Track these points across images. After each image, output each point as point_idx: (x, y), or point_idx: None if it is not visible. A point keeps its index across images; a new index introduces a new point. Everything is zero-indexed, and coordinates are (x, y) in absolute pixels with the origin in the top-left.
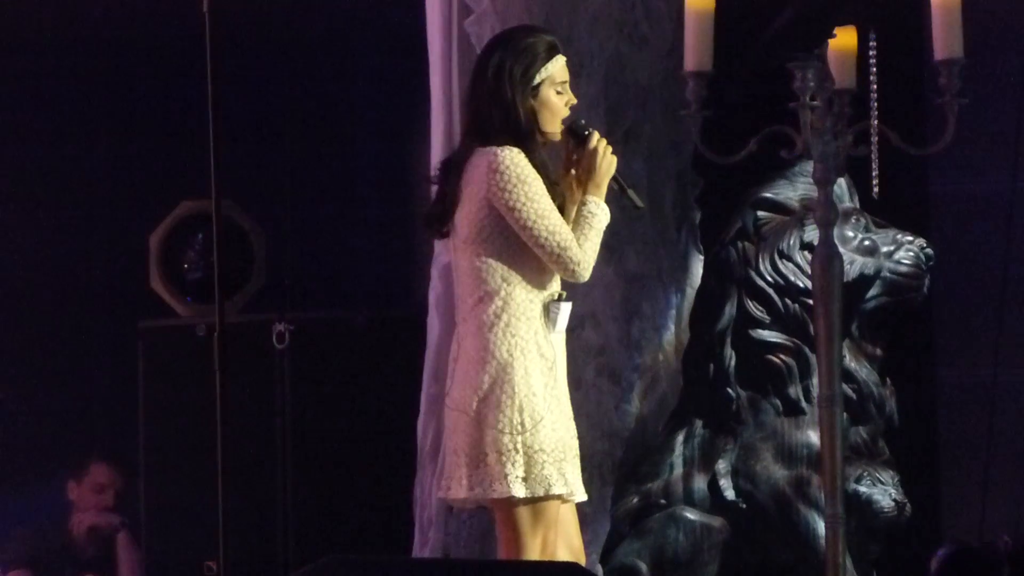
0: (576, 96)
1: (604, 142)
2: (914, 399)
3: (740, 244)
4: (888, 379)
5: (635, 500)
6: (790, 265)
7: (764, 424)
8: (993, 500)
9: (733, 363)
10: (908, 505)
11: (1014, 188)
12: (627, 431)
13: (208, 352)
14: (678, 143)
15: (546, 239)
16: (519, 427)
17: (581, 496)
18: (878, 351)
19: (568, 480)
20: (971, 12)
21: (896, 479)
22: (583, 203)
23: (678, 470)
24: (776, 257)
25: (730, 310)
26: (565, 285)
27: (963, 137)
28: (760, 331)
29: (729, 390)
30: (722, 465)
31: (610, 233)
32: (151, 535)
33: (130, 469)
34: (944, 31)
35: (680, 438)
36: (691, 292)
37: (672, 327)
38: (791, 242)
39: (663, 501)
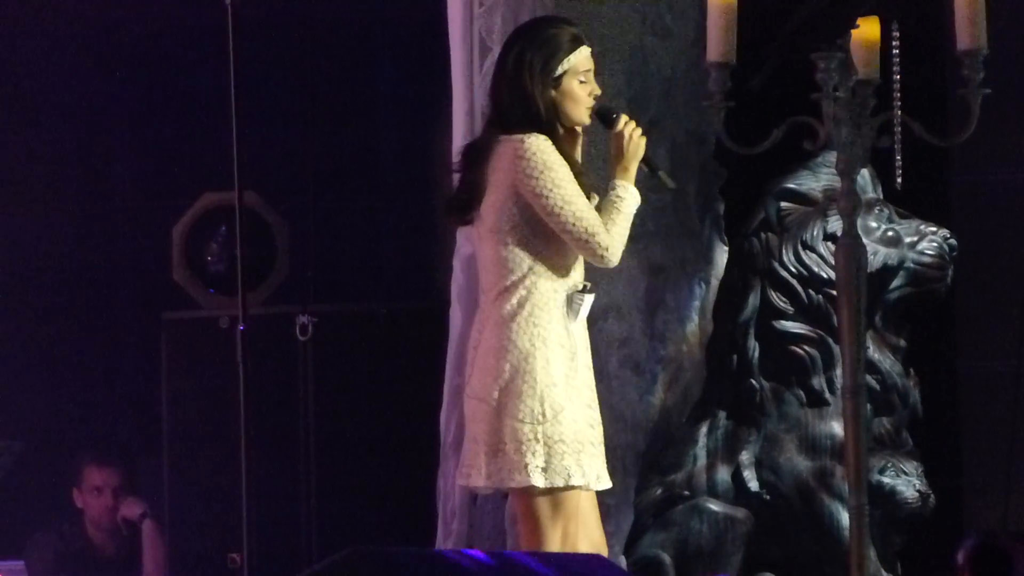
0: (599, 87)
1: (633, 124)
2: (937, 390)
3: (763, 235)
4: (912, 370)
5: (658, 491)
6: (813, 256)
7: (788, 415)
8: (1017, 490)
9: (756, 354)
10: (932, 496)
11: None
12: (650, 422)
13: (231, 344)
14: (701, 134)
15: (573, 225)
16: (539, 417)
17: (604, 484)
18: (902, 342)
19: (587, 471)
20: (994, 2)
21: (920, 470)
22: (611, 187)
23: (701, 461)
24: (799, 248)
25: (753, 301)
26: (588, 276)
27: (986, 128)
28: (783, 322)
29: (752, 381)
30: (745, 456)
31: (633, 225)
32: (174, 527)
33: (124, 465)
34: (967, 21)
35: (703, 429)
36: (715, 283)
37: (695, 318)
38: (814, 233)
39: (686, 492)
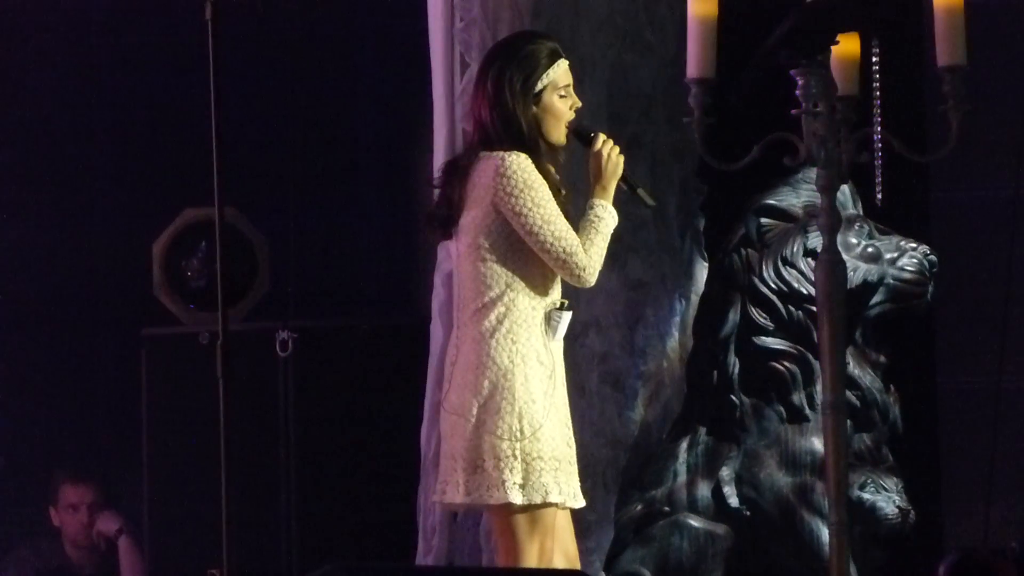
0: (580, 101)
1: (610, 143)
2: (918, 406)
3: (744, 251)
4: (892, 386)
5: (639, 507)
6: (794, 272)
7: (768, 431)
8: (997, 507)
9: (737, 370)
10: (912, 512)
11: (1018, 195)
12: (631, 438)
13: (211, 360)
14: (682, 150)
15: (552, 244)
16: (518, 434)
17: (580, 502)
18: (882, 358)
19: (563, 488)
20: (974, 19)
21: (900, 486)
22: (590, 207)
23: (682, 477)
24: (780, 264)
25: (734, 317)
26: (568, 291)
27: (966, 144)
28: (764, 338)
29: (733, 397)
30: (726, 472)
31: (614, 240)
32: (154, 543)
33: (99, 483)
34: (947, 38)
35: (684, 445)
36: (695, 299)
37: (676, 334)
38: (795, 249)
39: (667, 508)
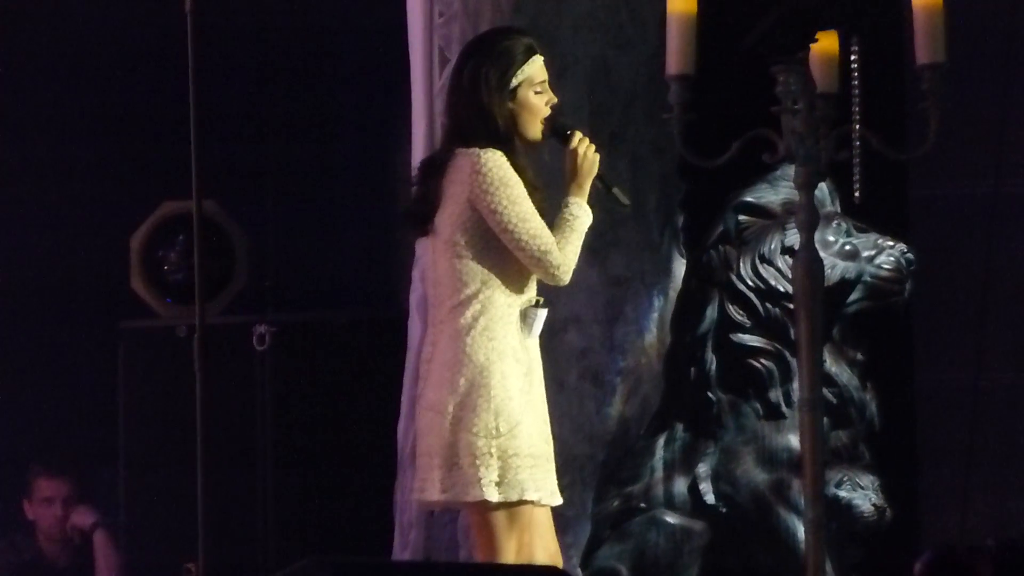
0: (560, 99)
1: (586, 141)
2: (895, 403)
3: (722, 248)
4: (869, 383)
5: (616, 503)
6: (771, 269)
7: (745, 428)
8: (974, 504)
9: (714, 367)
10: (888, 510)
11: (996, 192)
12: (609, 434)
13: (189, 353)
14: (662, 147)
15: (527, 243)
16: (495, 431)
17: (557, 500)
18: (859, 355)
19: (540, 485)
20: (953, 16)
21: (876, 484)
22: (565, 204)
23: (659, 473)
24: (757, 261)
25: (711, 314)
26: (547, 289)
27: (945, 141)
28: (741, 335)
29: (710, 394)
30: (703, 469)
31: (593, 236)
32: (131, 536)
33: (75, 477)
34: (926, 35)
35: (661, 441)
36: (673, 295)
37: (654, 330)
38: (772, 246)
39: (643, 505)
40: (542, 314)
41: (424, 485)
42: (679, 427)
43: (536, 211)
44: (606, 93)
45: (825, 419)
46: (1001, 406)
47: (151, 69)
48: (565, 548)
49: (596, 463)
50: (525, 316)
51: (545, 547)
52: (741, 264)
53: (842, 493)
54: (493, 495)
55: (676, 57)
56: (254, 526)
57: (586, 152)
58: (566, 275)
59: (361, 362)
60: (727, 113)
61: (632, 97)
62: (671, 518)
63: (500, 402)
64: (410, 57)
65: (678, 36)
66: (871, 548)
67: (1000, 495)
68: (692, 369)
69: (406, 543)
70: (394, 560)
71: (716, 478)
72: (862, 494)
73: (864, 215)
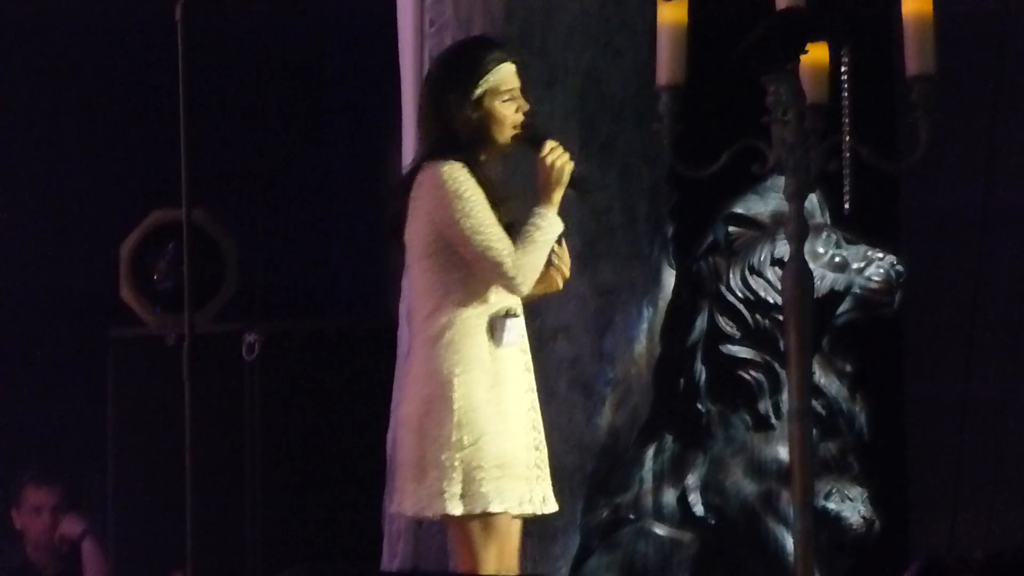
0: (550, 108)
1: (558, 151)
2: (884, 415)
3: (711, 258)
4: (858, 395)
5: (605, 514)
6: (761, 280)
7: (734, 439)
8: (963, 515)
9: (704, 377)
10: (877, 521)
11: (986, 203)
12: (598, 444)
13: (178, 362)
14: (652, 157)
15: (481, 253)
16: (457, 444)
17: (537, 509)
18: (848, 367)
19: (508, 496)
20: (943, 28)
21: (865, 495)
22: (530, 214)
23: (648, 484)
24: (747, 272)
25: (701, 324)
26: (537, 298)
27: (935, 153)
28: (730, 346)
29: (699, 404)
30: (692, 479)
31: (583, 246)
32: (119, 544)
33: (64, 484)
34: (916, 47)
35: (650, 452)
36: (663, 305)
37: (644, 340)
38: (762, 257)
39: (632, 515)
40: (512, 323)
41: (399, 497)
42: (668, 438)
43: (495, 222)
44: (596, 102)
45: (814, 430)
46: (990, 417)
47: (141, 77)
48: (554, 559)
49: (585, 473)
50: (493, 327)
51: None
52: (731, 275)
53: (831, 504)
54: (456, 508)
55: (666, 67)
56: (243, 535)
57: (555, 162)
58: (525, 285)
59: (351, 371)
60: (717, 123)
61: (622, 106)
62: (660, 529)
63: (463, 414)
64: (400, 65)
65: (669, 46)
66: (860, 559)
67: (989, 507)
68: (681, 380)
69: (395, 553)
70: (382, 571)
71: (705, 489)
72: (851, 505)
73: (854, 226)
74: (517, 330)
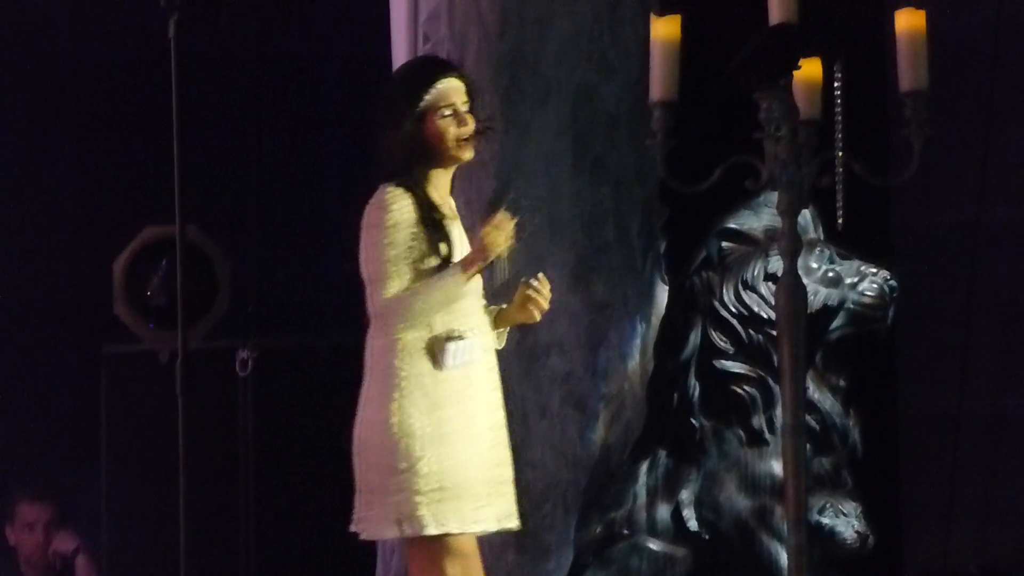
0: (543, 124)
1: (505, 225)
2: (877, 430)
3: (705, 274)
4: (851, 410)
5: (598, 529)
6: (754, 296)
7: (727, 454)
8: (956, 530)
9: (697, 393)
10: (871, 536)
11: (978, 219)
12: (591, 459)
13: (171, 378)
14: (645, 172)
15: (374, 280)
16: (394, 468)
17: (496, 527)
18: (842, 382)
19: (446, 518)
20: (936, 43)
21: (859, 510)
22: (450, 267)
23: (642, 499)
24: (740, 287)
25: (694, 340)
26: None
27: (927, 168)
28: (724, 361)
29: (693, 420)
30: (685, 495)
31: (576, 261)
32: (112, 562)
33: (57, 501)
34: (909, 62)
35: (644, 467)
36: (656, 321)
37: (637, 356)
38: (755, 272)
39: (626, 531)
40: (454, 347)
41: (355, 518)
42: (662, 453)
43: (402, 257)
44: (589, 119)
45: (808, 445)
46: (983, 432)
47: (134, 94)
48: (547, 575)
49: (578, 489)
50: (434, 350)
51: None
52: (724, 290)
53: (825, 519)
54: (391, 532)
55: (660, 83)
56: (236, 552)
57: (491, 230)
58: (394, 326)
59: (344, 386)
60: (710, 139)
61: (615, 123)
62: (654, 544)
63: (398, 439)
64: None
65: (662, 62)
66: (854, 574)
67: (983, 521)
68: (675, 395)
69: (388, 570)
70: None
71: (699, 504)
72: (845, 520)
73: (847, 242)
74: (465, 353)
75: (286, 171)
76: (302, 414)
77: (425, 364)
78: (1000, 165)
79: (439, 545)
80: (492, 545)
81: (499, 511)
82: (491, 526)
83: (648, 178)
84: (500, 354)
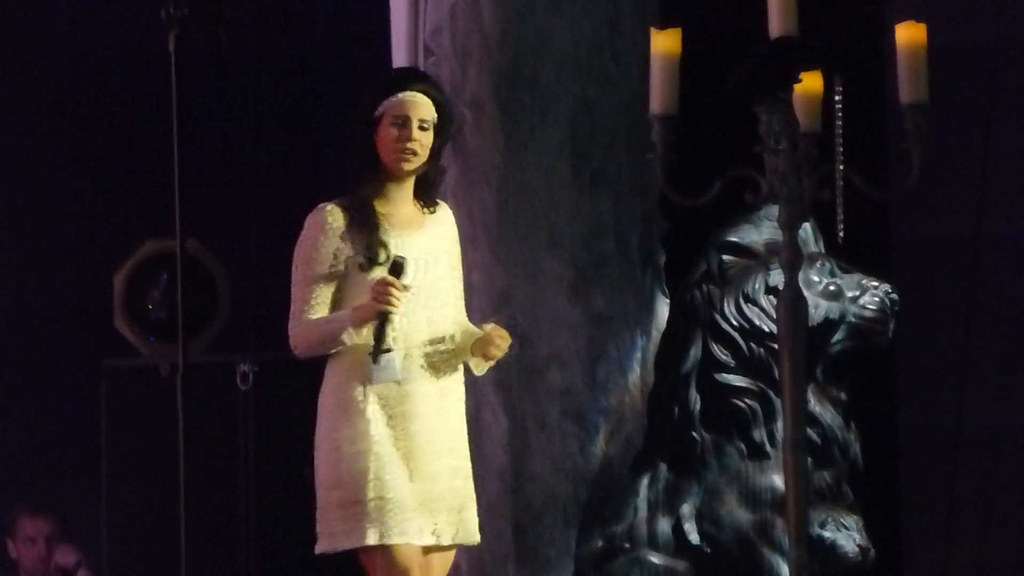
0: (542, 138)
1: (395, 292)
2: (878, 444)
3: (705, 287)
4: (852, 423)
5: (599, 543)
6: (755, 309)
7: (728, 467)
8: (957, 544)
9: (698, 406)
10: (872, 550)
11: (978, 232)
12: (592, 473)
13: (171, 392)
14: (644, 186)
15: (292, 303)
16: (324, 483)
17: (436, 540)
18: (842, 395)
19: (385, 531)
20: (936, 56)
21: (860, 524)
22: (348, 312)
23: (642, 513)
24: (741, 301)
25: (695, 353)
26: (529, 326)
27: (928, 181)
28: (725, 375)
29: (694, 433)
30: (686, 508)
31: (576, 275)
32: (113, 574)
33: (58, 515)
34: (909, 75)
35: (644, 481)
36: (656, 334)
37: (637, 369)
38: (756, 286)
39: (627, 545)
40: (383, 360)
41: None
42: (662, 467)
43: (315, 281)
44: (588, 132)
45: (809, 459)
46: (984, 446)
47: (134, 107)
48: None
49: (579, 503)
50: (362, 365)
51: None
52: (725, 303)
53: (826, 533)
54: (324, 546)
55: (659, 96)
56: (236, 565)
57: (379, 293)
58: (295, 349)
59: None
60: (710, 152)
61: (614, 136)
62: (655, 558)
63: (326, 455)
64: None
65: (661, 76)
66: None
67: (983, 536)
68: (675, 408)
69: None
70: None
71: (700, 518)
72: (846, 534)
73: (848, 255)
74: (391, 366)
75: (286, 184)
76: (303, 428)
77: (351, 379)
78: (1000, 177)
79: (390, 554)
80: (493, 558)
81: (449, 522)
82: (427, 539)
83: (648, 191)
84: (501, 366)
